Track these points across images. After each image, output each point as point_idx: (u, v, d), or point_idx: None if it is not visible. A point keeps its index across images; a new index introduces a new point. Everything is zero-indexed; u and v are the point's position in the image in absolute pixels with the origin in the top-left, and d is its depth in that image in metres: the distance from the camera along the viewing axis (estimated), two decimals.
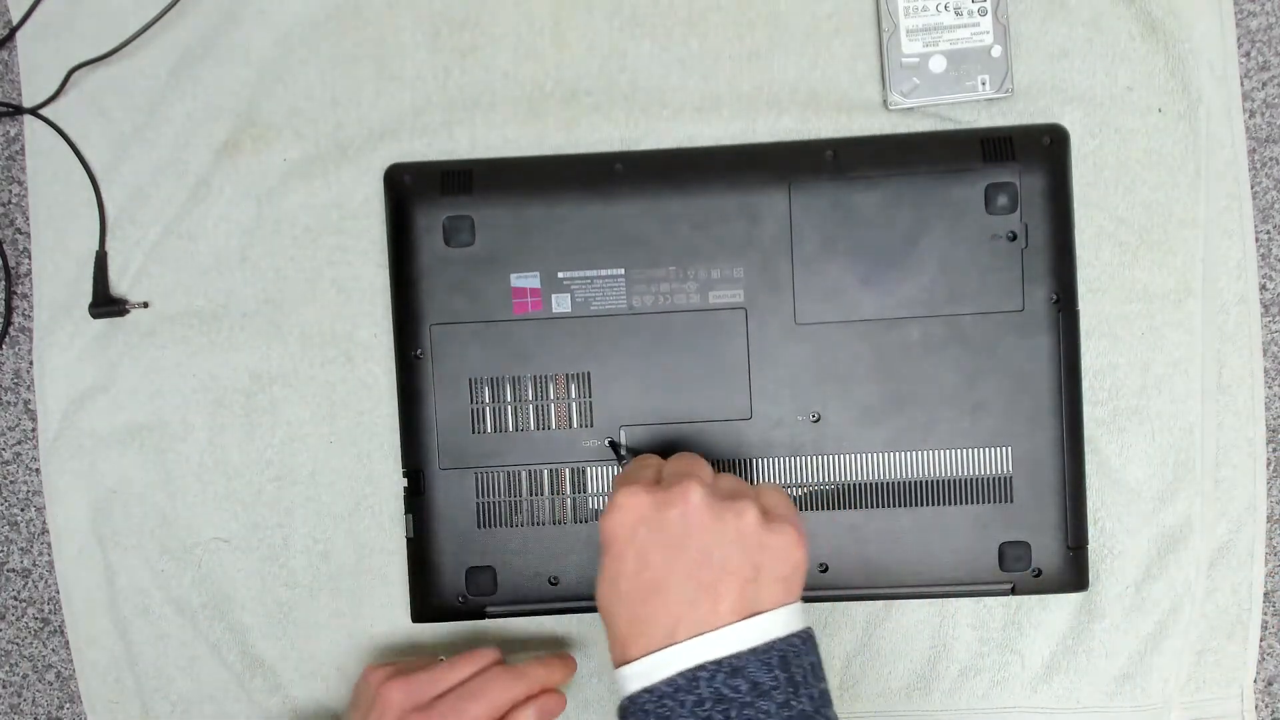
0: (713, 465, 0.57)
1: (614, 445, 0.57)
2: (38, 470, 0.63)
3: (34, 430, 0.63)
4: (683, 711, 0.41)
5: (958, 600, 0.60)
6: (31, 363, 0.63)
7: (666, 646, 0.42)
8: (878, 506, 0.57)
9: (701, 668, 0.42)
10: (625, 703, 0.43)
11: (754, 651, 0.42)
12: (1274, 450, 0.61)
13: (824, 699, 0.43)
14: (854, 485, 0.57)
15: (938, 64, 0.58)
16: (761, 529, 0.44)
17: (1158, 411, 0.59)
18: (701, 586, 0.43)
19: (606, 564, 0.45)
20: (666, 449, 0.57)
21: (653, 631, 0.43)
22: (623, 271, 0.57)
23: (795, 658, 0.43)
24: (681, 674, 0.42)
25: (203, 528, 0.61)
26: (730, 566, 0.43)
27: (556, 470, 0.57)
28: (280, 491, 0.61)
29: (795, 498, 0.57)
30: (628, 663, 0.43)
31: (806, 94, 0.59)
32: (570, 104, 0.60)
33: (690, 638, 0.42)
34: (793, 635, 0.43)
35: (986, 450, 0.57)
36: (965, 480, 0.57)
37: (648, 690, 0.42)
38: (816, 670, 0.44)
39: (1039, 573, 0.57)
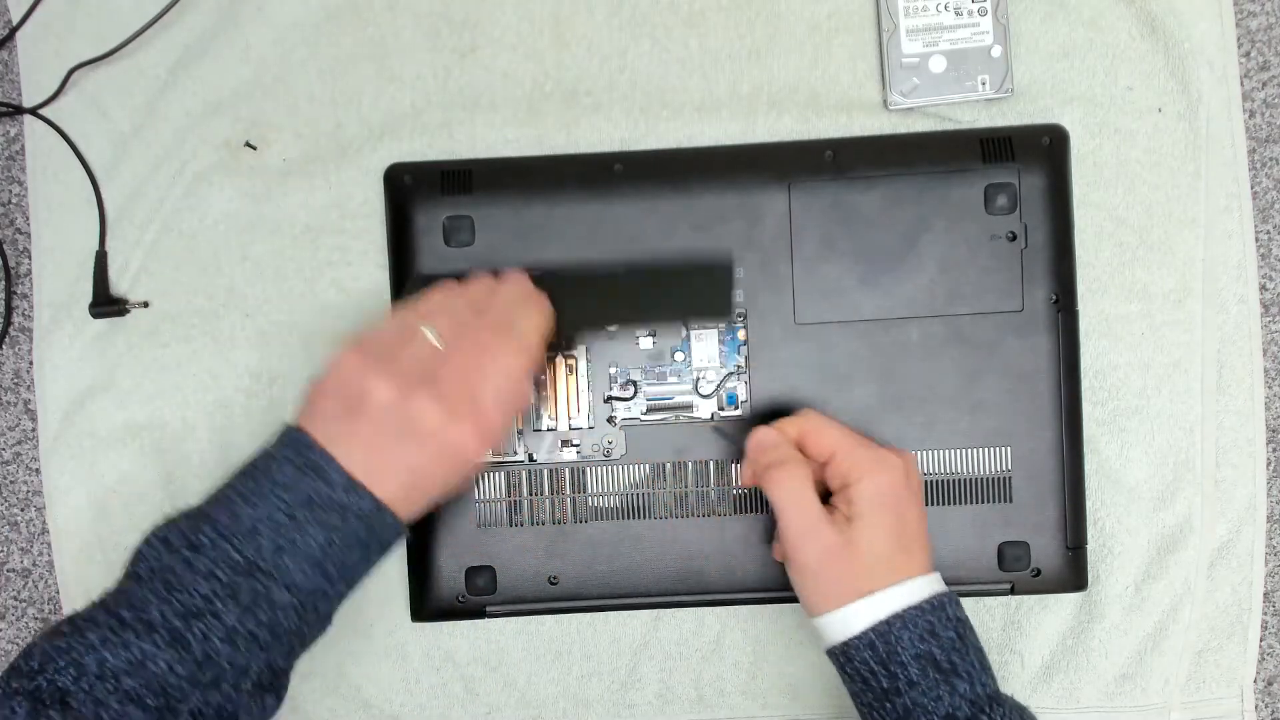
0: (713, 466, 0.57)
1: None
2: (38, 470, 0.63)
3: (34, 430, 0.63)
4: (941, 624, 0.50)
5: None
6: (31, 363, 0.63)
7: (921, 575, 0.51)
8: None
9: (944, 593, 0.51)
10: (908, 611, 0.49)
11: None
12: (1274, 450, 0.61)
13: None
14: None
15: (938, 64, 0.58)
16: None
17: (1158, 411, 0.59)
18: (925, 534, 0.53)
19: (876, 521, 0.50)
20: (668, 450, 0.57)
21: (908, 568, 0.51)
22: None
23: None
24: (939, 594, 0.51)
25: None
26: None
27: (556, 470, 0.57)
28: None
29: None
30: (875, 591, 0.50)
31: (806, 94, 0.59)
32: (570, 104, 0.60)
33: (924, 572, 0.51)
34: None
35: (986, 450, 0.57)
36: (964, 480, 0.57)
37: (929, 599, 0.50)
38: None
39: (1038, 573, 0.57)
